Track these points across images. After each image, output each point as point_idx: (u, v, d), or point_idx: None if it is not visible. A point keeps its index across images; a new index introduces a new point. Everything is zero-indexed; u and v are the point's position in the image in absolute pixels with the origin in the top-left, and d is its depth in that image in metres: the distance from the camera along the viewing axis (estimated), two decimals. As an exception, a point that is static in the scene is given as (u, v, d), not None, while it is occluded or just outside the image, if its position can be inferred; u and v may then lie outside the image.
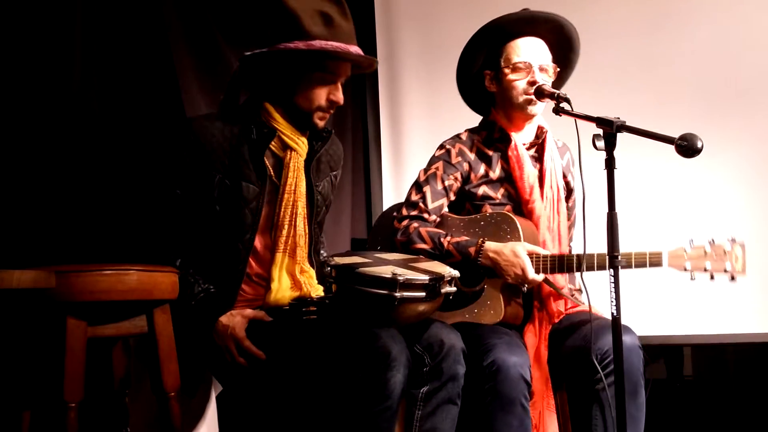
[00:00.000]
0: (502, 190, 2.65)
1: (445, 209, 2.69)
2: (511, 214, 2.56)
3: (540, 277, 2.47)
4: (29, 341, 2.30)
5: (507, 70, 2.61)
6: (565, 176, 2.76)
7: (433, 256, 2.51)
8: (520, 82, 2.59)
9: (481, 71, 2.71)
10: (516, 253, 2.45)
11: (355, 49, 2.30)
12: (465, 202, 2.69)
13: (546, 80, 2.58)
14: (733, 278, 2.34)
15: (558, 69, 2.64)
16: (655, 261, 2.38)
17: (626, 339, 2.35)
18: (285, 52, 2.27)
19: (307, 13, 2.27)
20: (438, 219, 2.65)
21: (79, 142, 2.86)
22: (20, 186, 2.68)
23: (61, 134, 2.81)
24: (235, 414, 2.39)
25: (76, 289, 2.19)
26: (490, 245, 2.49)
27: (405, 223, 2.60)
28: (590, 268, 2.42)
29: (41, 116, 2.76)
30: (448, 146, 2.71)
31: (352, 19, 2.36)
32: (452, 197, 2.67)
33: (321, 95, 2.33)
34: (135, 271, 2.29)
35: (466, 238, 2.54)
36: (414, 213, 2.62)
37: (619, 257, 2.34)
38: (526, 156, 2.64)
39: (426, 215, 2.61)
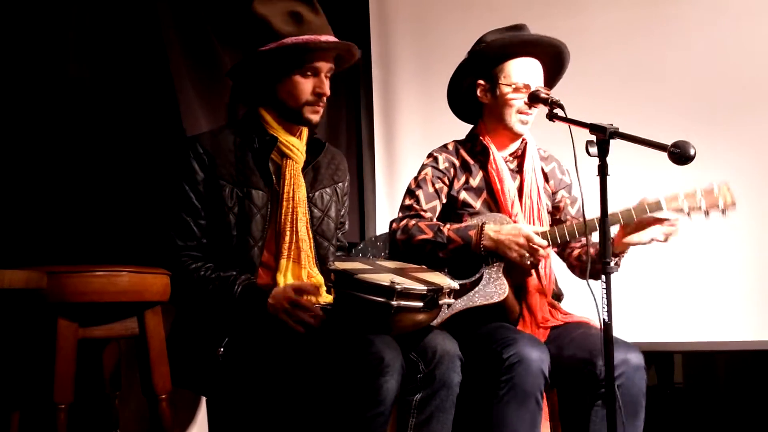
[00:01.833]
0: (480, 201, 2.68)
1: (438, 213, 2.70)
2: (506, 216, 2.60)
3: (545, 242, 2.50)
4: (19, 341, 2.29)
5: (507, 89, 2.64)
6: (548, 180, 2.78)
7: (434, 244, 2.54)
8: (518, 102, 2.63)
9: (474, 80, 2.72)
10: (516, 227, 2.50)
11: (326, 38, 2.32)
12: (449, 212, 2.72)
13: None
14: (724, 212, 2.48)
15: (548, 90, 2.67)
16: (655, 207, 2.47)
17: (632, 357, 2.37)
18: (261, 55, 2.31)
19: (276, 16, 2.31)
20: (434, 219, 2.67)
21: (72, 144, 2.85)
22: (13, 186, 2.68)
23: (54, 136, 2.81)
24: (226, 417, 2.38)
25: (68, 289, 2.19)
26: (490, 226, 2.53)
27: (403, 222, 2.62)
28: (592, 229, 2.44)
29: (33, 118, 2.76)
30: (435, 154, 2.76)
31: (325, 15, 2.37)
32: (443, 200, 2.69)
33: (306, 90, 2.35)
34: (126, 272, 2.29)
35: (466, 224, 2.57)
36: (411, 214, 2.65)
37: (619, 213, 2.47)
38: (505, 170, 2.68)
39: (423, 213, 2.64)
